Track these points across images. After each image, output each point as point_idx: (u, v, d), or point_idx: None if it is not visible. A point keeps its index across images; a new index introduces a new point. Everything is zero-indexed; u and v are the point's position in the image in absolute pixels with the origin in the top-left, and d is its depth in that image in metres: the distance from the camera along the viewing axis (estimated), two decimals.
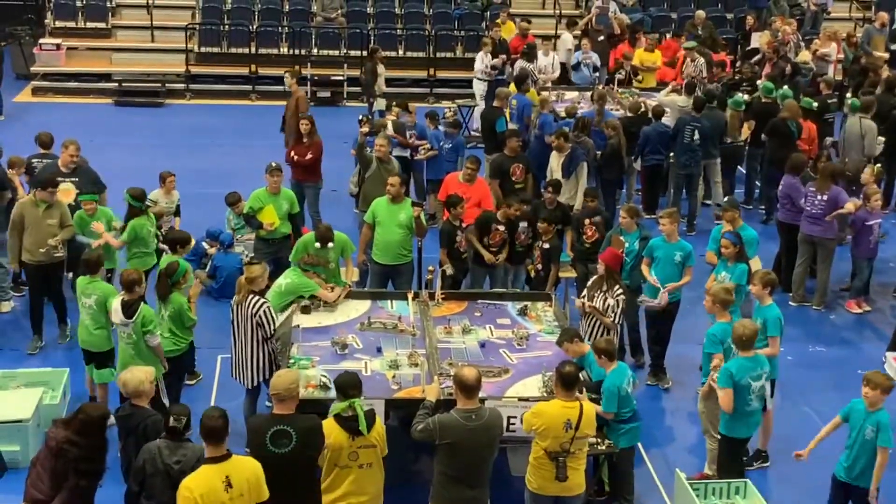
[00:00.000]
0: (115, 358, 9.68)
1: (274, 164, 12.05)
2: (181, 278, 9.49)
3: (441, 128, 14.83)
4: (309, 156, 13.61)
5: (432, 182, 14.33)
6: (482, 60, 19.08)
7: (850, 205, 12.52)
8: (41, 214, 10.91)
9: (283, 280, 10.01)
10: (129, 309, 9.01)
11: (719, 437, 8.71)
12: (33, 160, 12.58)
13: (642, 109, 15.63)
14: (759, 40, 20.19)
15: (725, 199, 11.97)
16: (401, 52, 22.42)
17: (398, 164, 13.12)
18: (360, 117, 14.75)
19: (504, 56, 19.27)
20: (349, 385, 7.22)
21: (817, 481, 8.69)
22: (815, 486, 8.81)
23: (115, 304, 9.10)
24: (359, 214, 12.49)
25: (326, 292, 10.04)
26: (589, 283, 10.13)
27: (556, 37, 20.79)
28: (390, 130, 13.86)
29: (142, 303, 9.10)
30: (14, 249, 11.09)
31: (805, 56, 19.16)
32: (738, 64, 19.95)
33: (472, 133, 18.36)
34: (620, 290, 9.86)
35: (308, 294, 9.95)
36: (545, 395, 8.37)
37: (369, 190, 12.48)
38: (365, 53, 19.98)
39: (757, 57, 19.49)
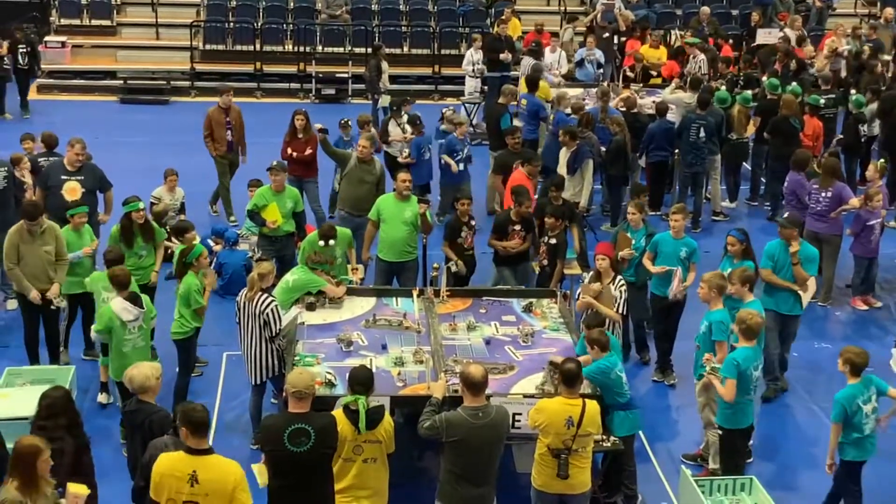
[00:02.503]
0: None
1: (276, 163, 12.07)
2: (195, 260, 9.79)
3: (426, 132, 14.54)
4: (308, 150, 13.61)
5: (416, 187, 14.10)
6: (471, 57, 19.09)
7: (855, 200, 12.51)
8: (36, 243, 10.24)
9: (290, 276, 10.02)
10: (135, 302, 9.21)
11: (720, 431, 8.69)
12: (39, 158, 12.59)
13: (642, 105, 15.63)
14: (766, 37, 20.16)
15: (785, 215, 11.64)
16: (405, 49, 22.45)
17: (381, 164, 12.92)
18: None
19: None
20: (356, 380, 7.18)
21: (821, 478, 8.68)
22: (819, 482, 8.80)
23: (121, 305, 9.14)
24: (339, 213, 12.39)
25: (333, 287, 10.05)
26: (586, 280, 10.09)
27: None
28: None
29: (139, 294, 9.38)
30: (21, 279, 10.23)
31: (808, 50, 19.12)
32: (739, 61, 19.95)
33: (478, 132, 18.35)
34: (622, 281, 9.88)
35: (315, 290, 9.97)
36: (543, 390, 8.36)
37: (344, 189, 12.48)
38: (369, 50, 19.98)
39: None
